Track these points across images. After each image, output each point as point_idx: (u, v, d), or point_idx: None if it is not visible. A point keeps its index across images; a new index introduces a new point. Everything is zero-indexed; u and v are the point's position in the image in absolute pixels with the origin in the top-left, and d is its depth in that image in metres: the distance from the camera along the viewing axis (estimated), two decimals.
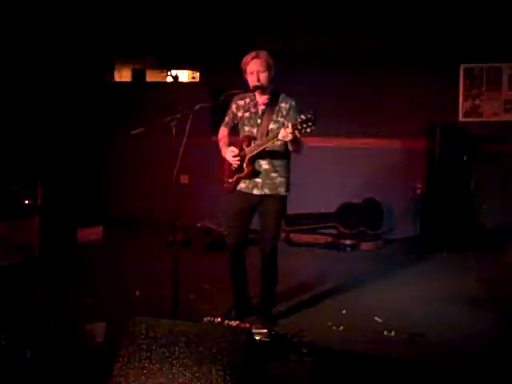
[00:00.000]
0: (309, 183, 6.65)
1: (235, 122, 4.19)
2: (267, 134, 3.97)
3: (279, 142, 3.89)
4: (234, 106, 4.16)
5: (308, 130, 3.61)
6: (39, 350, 3.57)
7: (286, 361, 3.53)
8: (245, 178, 4.06)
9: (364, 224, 6.83)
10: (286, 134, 3.67)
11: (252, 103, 4.08)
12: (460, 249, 6.32)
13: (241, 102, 4.12)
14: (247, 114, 4.09)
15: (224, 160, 4.18)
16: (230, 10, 7.02)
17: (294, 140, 3.73)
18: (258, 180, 4.05)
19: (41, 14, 6.74)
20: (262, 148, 3.93)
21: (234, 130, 4.26)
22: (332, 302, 4.74)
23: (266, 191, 4.05)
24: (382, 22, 6.72)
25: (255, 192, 4.06)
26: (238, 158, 4.03)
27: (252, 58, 3.95)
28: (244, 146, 4.03)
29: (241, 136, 4.14)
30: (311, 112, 3.62)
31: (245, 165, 4.02)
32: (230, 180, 4.13)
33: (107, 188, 7.60)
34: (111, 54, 7.89)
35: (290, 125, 3.66)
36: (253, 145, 4.00)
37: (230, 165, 4.10)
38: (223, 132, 4.26)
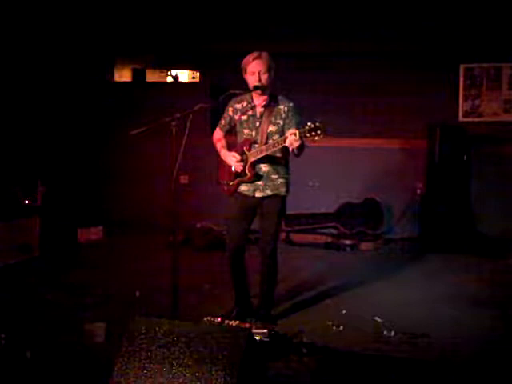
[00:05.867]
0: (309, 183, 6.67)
1: (231, 124, 4.16)
2: (267, 137, 3.96)
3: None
4: (230, 110, 4.13)
5: (316, 138, 3.59)
6: (39, 349, 3.57)
7: (286, 361, 3.53)
8: (247, 181, 4.06)
9: (364, 224, 6.83)
10: (293, 140, 3.64)
11: (250, 106, 4.05)
12: (460, 249, 6.31)
13: (238, 106, 4.09)
14: (245, 117, 4.06)
15: (222, 162, 4.17)
16: (230, 10, 7.03)
17: (300, 146, 3.72)
18: (260, 183, 4.03)
19: (41, 14, 6.74)
20: (266, 153, 3.91)
21: (231, 132, 4.25)
22: (332, 302, 4.74)
23: (268, 192, 4.04)
24: (382, 22, 6.73)
25: (257, 195, 4.05)
26: (241, 164, 4.02)
27: (254, 59, 3.92)
28: (245, 150, 4.00)
29: (239, 139, 4.11)
30: (320, 121, 3.59)
31: (247, 169, 4.00)
32: (231, 183, 4.10)
33: (107, 188, 7.59)
34: (111, 54, 7.89)
35: (297, 132, 3.63)
36: (255, 149, 3.98)
37: (230, 167, 4.08)
38: (219, 134, 4.23)
